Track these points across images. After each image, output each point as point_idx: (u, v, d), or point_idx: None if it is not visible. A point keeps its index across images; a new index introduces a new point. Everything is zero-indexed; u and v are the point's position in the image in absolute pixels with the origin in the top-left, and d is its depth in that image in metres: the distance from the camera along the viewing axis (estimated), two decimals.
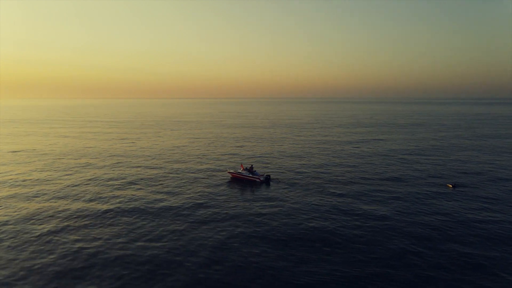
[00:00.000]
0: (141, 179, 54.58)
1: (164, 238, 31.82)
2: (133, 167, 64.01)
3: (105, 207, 40.58)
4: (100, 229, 34.07)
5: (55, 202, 42.47)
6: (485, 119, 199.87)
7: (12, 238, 31.92)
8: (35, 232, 33.15)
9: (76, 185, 50.65)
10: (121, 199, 43.61)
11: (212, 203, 42.48)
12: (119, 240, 31.49)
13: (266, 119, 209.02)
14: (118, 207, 40.40)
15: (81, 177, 55.66)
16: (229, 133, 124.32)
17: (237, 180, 55.49)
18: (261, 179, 54.43)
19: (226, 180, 55.04)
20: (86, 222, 35.80)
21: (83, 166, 64.23)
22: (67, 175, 57.42)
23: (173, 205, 41.45)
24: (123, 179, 54.55)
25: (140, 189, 48.56)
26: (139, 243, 30.74)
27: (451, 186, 51.82)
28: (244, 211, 39.32)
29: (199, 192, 47.49)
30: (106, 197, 44.78)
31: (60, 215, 38.02)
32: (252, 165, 57.83)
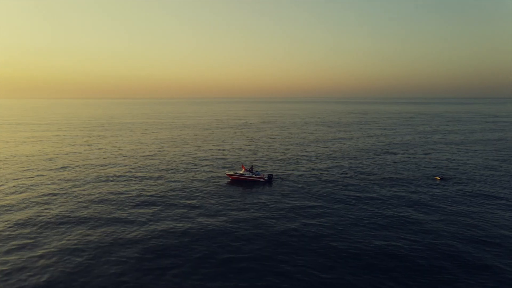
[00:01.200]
0: (153, 192, 49.33)
1: (271, 263, 28.90)
2: (123, 177, 57.61)
3: (157, 226, 35.95)
4: (183, 254, 30.04)
5: (83, 229, 35.97)
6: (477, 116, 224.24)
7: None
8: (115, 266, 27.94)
9: (87, 203, 43.50)
10: (162, 217, 38.91)
11: (255, 215, 40.14)
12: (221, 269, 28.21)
13: (218, 119, 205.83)
14: (175, 228, 35.87)
15: (84, 193, 48.18)
16: (191, 135, 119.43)
17: (238, 182, 54.64)
18: (265, 178, 54.72)
19: (229, 184, 53.62)
20: (155, 247, 31.21)
21: (70, 180, 55.39)
22: (58, 189, 48.83)
23: (221, 223, 37.59)
24: (130, 193, 48.62)
25: (167, 205, 43.70)
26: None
27: (438, 178, 57.11)
28: (297, 225, 37.61)
29: (229, 203, 44.57)
30: (136, 214, 39.70)
31: (117, 241, 32.46)
32: (252, 166, 57.71)
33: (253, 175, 54.93)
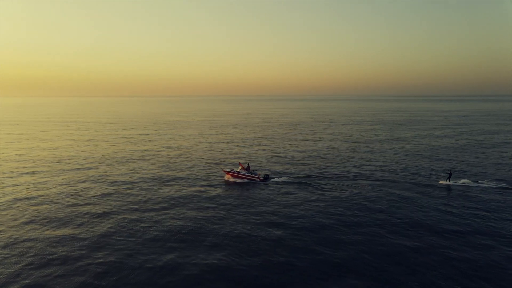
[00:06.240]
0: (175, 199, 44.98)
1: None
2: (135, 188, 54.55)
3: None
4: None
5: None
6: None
7: None
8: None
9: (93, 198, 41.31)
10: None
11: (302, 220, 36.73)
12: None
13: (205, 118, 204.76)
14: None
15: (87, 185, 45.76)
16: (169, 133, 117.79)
17: (235, 179, 54.94)
18: (261, 178, 54.54)
19: (228, 182, 53.43)
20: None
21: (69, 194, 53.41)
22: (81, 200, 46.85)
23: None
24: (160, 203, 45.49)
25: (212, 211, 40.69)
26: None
27: (446, 180, 54.21)
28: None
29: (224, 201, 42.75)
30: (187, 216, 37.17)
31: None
32: (248, 164, 57.26)
33: (249, 174, 54.87)
